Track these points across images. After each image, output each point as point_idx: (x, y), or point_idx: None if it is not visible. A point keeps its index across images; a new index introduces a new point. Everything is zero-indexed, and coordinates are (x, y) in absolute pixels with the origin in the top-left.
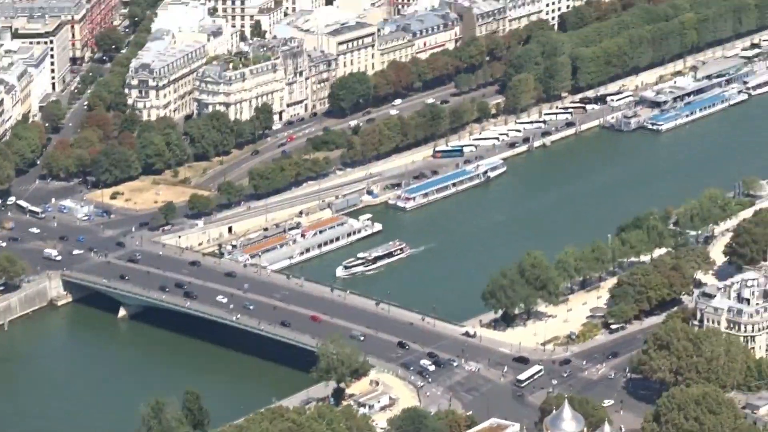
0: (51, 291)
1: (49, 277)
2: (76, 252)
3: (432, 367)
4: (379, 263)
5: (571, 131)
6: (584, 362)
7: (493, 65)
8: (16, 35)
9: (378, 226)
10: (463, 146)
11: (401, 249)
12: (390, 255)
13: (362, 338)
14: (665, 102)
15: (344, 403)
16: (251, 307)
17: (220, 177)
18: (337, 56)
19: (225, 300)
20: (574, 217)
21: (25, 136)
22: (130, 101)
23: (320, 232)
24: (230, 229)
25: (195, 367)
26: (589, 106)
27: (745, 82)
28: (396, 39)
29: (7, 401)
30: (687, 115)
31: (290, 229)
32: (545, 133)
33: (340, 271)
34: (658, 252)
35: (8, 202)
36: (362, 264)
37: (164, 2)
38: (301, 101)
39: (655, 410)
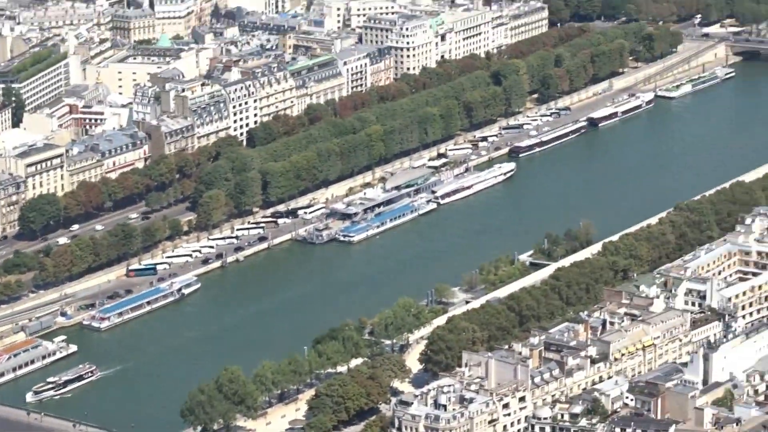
0: None
1: None
2: None
3: None
4: (70, 387)
5: (263, 245)
6: None
7: (183, 182)
8: None
9: (73, 348)
10: (156, 264)
11: (92, 372)
12: (81, 378)
13: None
14: (356, 213)
15: None
16: None
17: None
18: (26, 178)
19: None
20: (270, 330)
21: None
22: None
23: (14, 355)
24: None
25: None
26: (280, 220)
27: (433, 192)
28: (85, 159)
29: None
30: (378, 226)
31: None
32: (238, 249)
33: (30, 397)
34: (355, 362)
35: None
36: (52, 388)
37: None
38: None
39: None
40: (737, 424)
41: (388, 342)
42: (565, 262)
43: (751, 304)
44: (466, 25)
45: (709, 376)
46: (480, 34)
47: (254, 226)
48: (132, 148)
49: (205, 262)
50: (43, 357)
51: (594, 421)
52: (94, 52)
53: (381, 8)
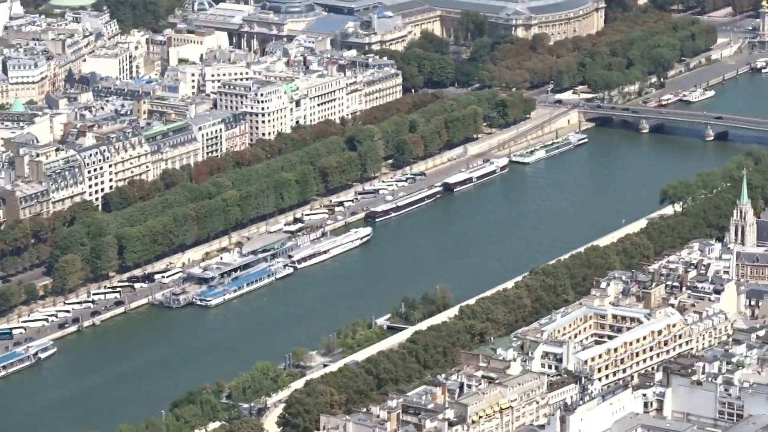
0: None
1: None
2: None
3: None
4: None
5: (120, 310)
6: None
7: (38, 247)
8: None
9: None
10: (12, 329)
11: None
12: None
13: None
14: (213, 278)
15: None
16: None
17: None
18: None
19: None
20: (127, 394)
21: None
22: None
23: None
24: None
25: None
26: (137, 285)
27: (290, 256)
28: None
29: None
30: (235, 290)
31: None
32: (95, 313)
33: None
34: (212, 426)
35: None
36: None
37: None
38: None
39: None
40: None
41: (246, 405)
42: (422, 325)
43: (607, 367)
44: (320, 91)
45: None
46: (334, 99)
47: (111, 290)
48: None
49: (62, 326)
50: None
51: None
52: None
53: (235, 74)
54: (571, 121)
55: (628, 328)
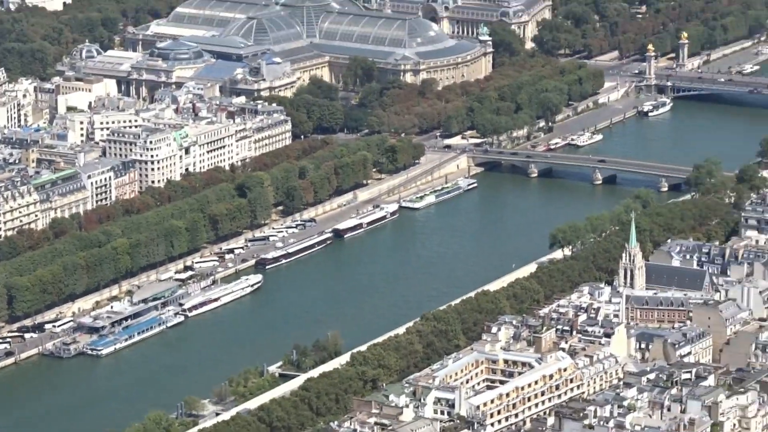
0: None
1: None
2: None
3: None
4: None
5: (10, 360)
6: None
7: None
8: None
9: None
10: None
11: None
12: None
13: None
14: (103, 327)
15: None
16: None
17: None
18: None
19: None
20: None
21: None
22: None
23: None
24: None
25: None
26: (27, 335)
27: (180, 304)
28: None
29: None
30: (126, 339)
31: None
32: None
33: None
34: None
35: None
36: None
37: None
38: None
39: None
40: None
41: None
42: (315, 372)
43: (499, 412)
44: (209, 138)
45: None
46: (224, 146)
47: (0, 341)
48: None
49: None
50: None
51: None
52: None
53: (124, 121)
54: (460, 166)
55: (520, 373)
